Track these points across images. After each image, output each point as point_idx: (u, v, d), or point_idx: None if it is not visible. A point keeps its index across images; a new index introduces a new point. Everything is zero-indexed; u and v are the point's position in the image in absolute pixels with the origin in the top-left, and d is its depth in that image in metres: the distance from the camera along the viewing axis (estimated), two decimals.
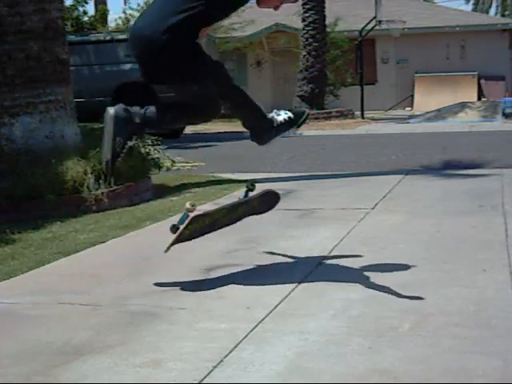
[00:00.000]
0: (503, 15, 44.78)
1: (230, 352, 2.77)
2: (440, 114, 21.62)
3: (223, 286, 3.74)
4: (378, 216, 5.58)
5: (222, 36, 24.38)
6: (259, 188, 4.29)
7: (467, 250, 4.35)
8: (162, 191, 7.36)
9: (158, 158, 8.01)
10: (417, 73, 27.09)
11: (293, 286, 3.66)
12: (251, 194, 4.23)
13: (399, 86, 27.50)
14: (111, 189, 6.48)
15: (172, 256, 4.52)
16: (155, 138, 8.15)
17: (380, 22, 22.22)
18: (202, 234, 3.97)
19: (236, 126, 20.26)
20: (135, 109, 3.72)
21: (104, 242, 5.01)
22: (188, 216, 3.72)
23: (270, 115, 3.94)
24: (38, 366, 2.72)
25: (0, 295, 3.75)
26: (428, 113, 22.58)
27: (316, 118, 20.49)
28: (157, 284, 3.81)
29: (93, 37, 17.12)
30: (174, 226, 3.76)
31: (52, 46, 7.09)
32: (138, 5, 27.28)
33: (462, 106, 22.95)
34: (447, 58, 27.07)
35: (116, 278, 4.01)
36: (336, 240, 4.69)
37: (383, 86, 27.47)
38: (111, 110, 3.64)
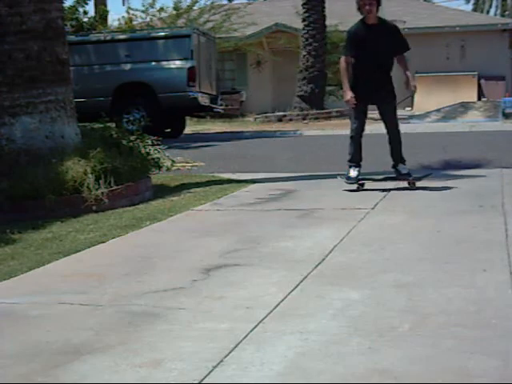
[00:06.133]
0: (503, 15, 44.74)
1: (230, 352, 2.77)
2: (440, 114, 21.61)
3: (223, 286, 3.74)
4: (378, 216, 5.58)
5: (222, 36, 24.35)
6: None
7: (467, 249, 4.35)
8: (162, 191, 7.36)
9: (158, 158, 8.00)
10: (417, 73, 27.05)
11: (293, 285, 3.66)
12: None
13: (399, 86, 27.45)
14: (111, 189, 6.48)
15: (172, 256, 4.54)
16: (155, 138, 8.14)
17: None
18: None
19: (236, 126, 20.32)
20: None
21: (104, 242, 5.01)
22: None
23: None
24: (37, 365, 2.72)
25: (0, 295, 3.75)
26: (428, 113, 22.57)
27: (316, 118, 20.46)
28: (157, 284, 3.81)
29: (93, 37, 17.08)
30: None
31: (52, 46, 7.09)
32: (143, 5, 27.11)
33: (463, 106, 22.95)
34: (447, 58, 27.03)
35: (116, 278, 4.01)
36: (336, 240, 4.69)
37: None
38: None
